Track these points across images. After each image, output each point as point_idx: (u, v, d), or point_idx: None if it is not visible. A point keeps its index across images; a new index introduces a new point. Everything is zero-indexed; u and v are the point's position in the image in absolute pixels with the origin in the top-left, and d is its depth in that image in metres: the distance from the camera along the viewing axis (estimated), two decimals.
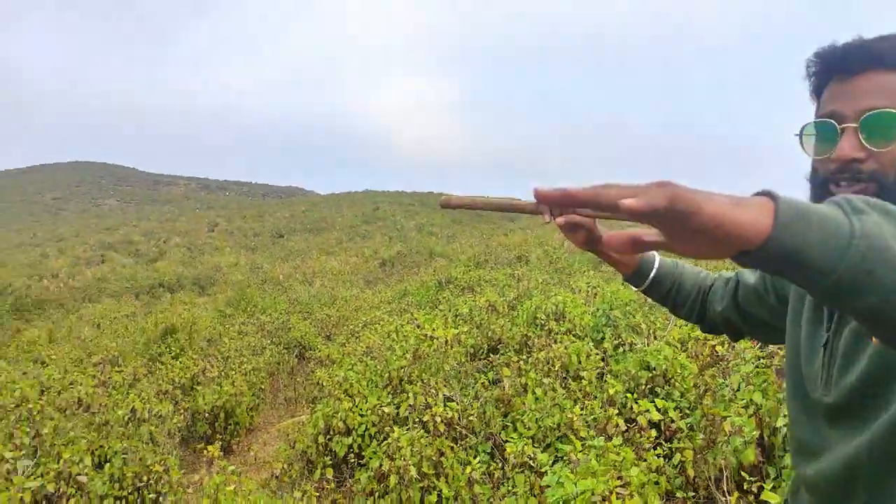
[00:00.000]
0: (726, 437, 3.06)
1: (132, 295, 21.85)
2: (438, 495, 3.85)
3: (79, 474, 4.03)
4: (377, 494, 4.11)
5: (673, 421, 3.60)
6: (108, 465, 4.58)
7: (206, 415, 7.02)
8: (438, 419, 4.50)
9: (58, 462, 4.24)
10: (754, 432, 3.07)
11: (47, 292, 22.25)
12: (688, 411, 3.91)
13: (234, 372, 8.18)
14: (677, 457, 3.31)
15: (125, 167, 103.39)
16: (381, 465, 4.10)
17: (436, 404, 4.79)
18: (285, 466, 4.79)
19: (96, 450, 4.88)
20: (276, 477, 4.81)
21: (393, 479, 3.88)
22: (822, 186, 1.09)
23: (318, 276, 21.55)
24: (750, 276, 1.46)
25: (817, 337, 1.16)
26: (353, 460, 5.29)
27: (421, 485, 3.85)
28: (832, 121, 1.07)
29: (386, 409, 5.38)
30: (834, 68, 1.09)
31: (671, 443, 3.59)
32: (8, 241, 43.00)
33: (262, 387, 8.55)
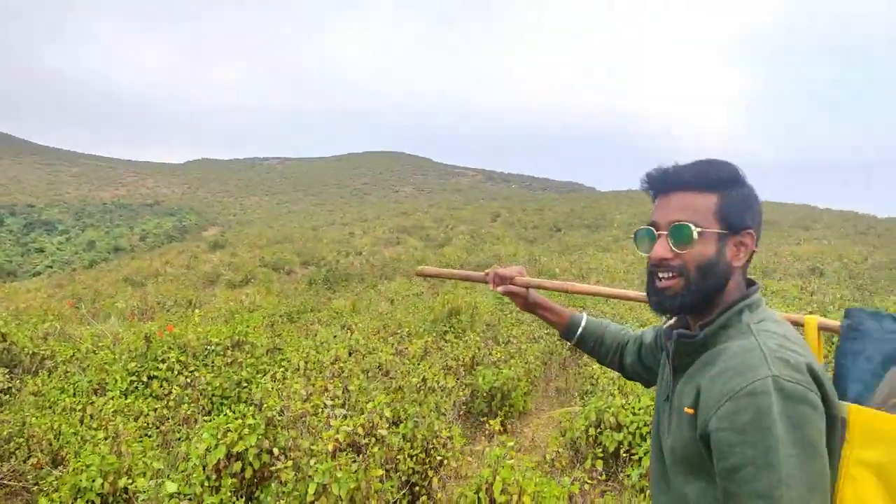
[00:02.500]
0: None
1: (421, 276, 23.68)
2: None
3: (380, 428, 4.58)
4: (647, 492, 4.13)
5: None
6: (402, 425, 5.15)
7: (485, 394, 7.49)
8: None
9: (360, 415, 4.88)
10: None
11: (352, 267, 25.05)
12: None
13: (512, 358, 8.59)
14: None
15: (421, 157, 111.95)
16: None
17: None
18: (558, 451, 4.97)
19: (393, 410, 5.50)
20: (551, 461, 5.00)
21: None
22: (650, 276, 1.44)
23: (593, 272, 21.58)
24: (650, 335, 1.84)
25: (665, 392, 1.49)
26: (624, 455, 5.34)
27: None
28: (652, 228, 1.43)
29: None
30: (656, 188, 1.45)
31: None
32: (324, 219, 49.05)
33: (537, 374, 8.88)
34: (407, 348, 8.67)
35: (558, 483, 4.21)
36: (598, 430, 5.70)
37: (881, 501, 1.22)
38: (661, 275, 1.40)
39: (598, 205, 44.71)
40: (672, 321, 1.54)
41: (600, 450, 5.40)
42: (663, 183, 1.43)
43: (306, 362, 6.88)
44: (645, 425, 5.45)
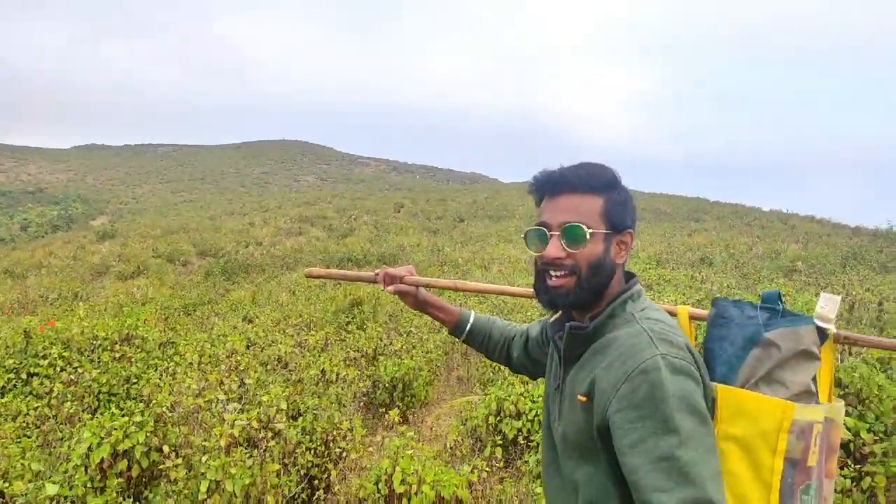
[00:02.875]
0: None
1: (323, 266, 23.40)
2: None
3: (277, 422, 4.47)
4: None
5: (865, 444, 3.37)
6: (301, 418, 5.04)
7: (386, 384, 7.46)
8: None
9: (256, 409, 4.75)
10: None
11: (252, 258, 24.38)
12: (883, 436, 3.63)
13: (414, 349, 8.60)
14: (867, 481, 3.10)
15: (324, 147, 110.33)
16: None
17: None
18: (458, 440, 4.99)
19: (291, 403, 5.38)
20: (452, 450, 5.02)
21: None
22: (540, 274, 1.52)
23: (496, 262, 21.87)
24: (535, 329, 1.92)
25: (555, 382, 1.57)
26: (522, 442, 5.43)
27: None
28: (543, 229, 1.48)
29: None
30: (544, 190, 1.52)
31: (861, 466, 3.36)
32: (222, 208, 47.58)
33: (438, 364, 8.92)
34: (307, 340, 8.52)
35: (457, 471, 4.22)
36: (498, 418, 5.77)
37: (746, 470, 1.36)
38: (553, 273, 1.48)
39: (501, 196, 45.35)
40: (557, 315, 1.61)
41: (500, 437, 5.47)
42: (551, 186, 1.50)
43: (201, 356, 6.65)
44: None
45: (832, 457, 1.44)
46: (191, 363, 6.36)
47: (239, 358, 6.65)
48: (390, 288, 1.93)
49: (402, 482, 3.90)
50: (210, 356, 6.62)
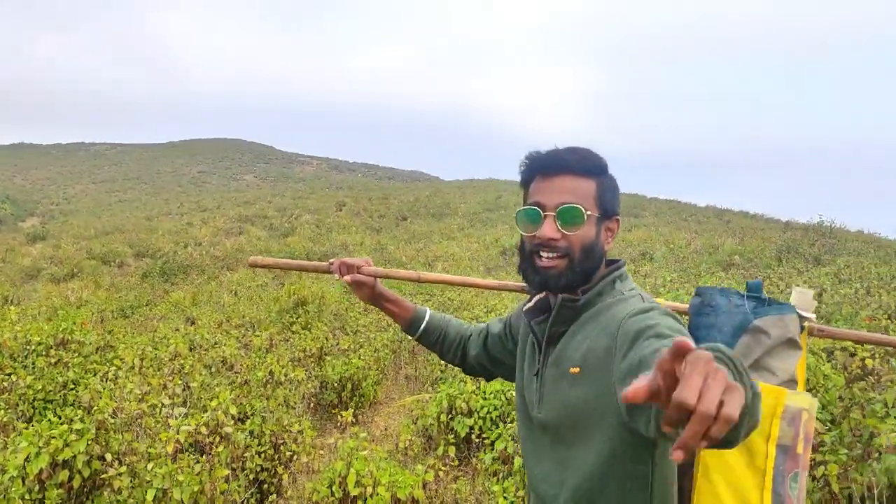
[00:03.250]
0: (877, 454, 2.91)
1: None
2: None
3: (225, 425, 4.34)
4: (501, 475, 4.19)
5: (817, 433, 3.45)
6: (248, 421, 4.91)
7: (335, 384, 7.35)
8: None
9: (202, 414, 4.60)
10: None
11: (191, 259, 23.77)
12: (829, 424, 3.73)
13: (361, 348, 8.50)
14: (820, 470, 3.18)
15: (263, 145, 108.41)
16: (505, 448, 4.17)
17: None
18: (410, 440, 4.94)
19: (239, 406, 5.25)
20: (404, 450, 4.97)
21: (518, 462, 3.95)
22: (528, 256, 1.48)
23: (439, 260, 21.87)
24: (496, 325, 1.86)
25: (533, 368, 1.55)
26: (475, 440, 5.41)
27: None
28: (537, 209, 1.44)
29: (510, 395, 5.45)
30: (538, 169, 1.48)
31: (814, 455, 3.44)
32: (159, 208, 46.33)
33: (386, 363, 8.85)
34: (252, 341, 8.33)
35: (412, 472, 4.18)
36: (450, 416, 5.74)
37: (739, 457, 1.38)
38: (544, 254, 1.44)
39: (443, 194, 45.36)
40: (532, 303, 1.58)
41: (452, 436, 5.44)
42: (548, 165, 1.46)
43: (142, 360, 6.42)
44: (495, 409, 5.55)
45: (808, 448, 1.44)
46: (132, 367, 6.13)
47: (182, 361, 6.45)
48: (347, 278, 1.85)
49: (358, 484, 3.83)
50: (151, 359, 6.40)
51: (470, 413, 5.65)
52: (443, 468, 4.41)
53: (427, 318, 1.95)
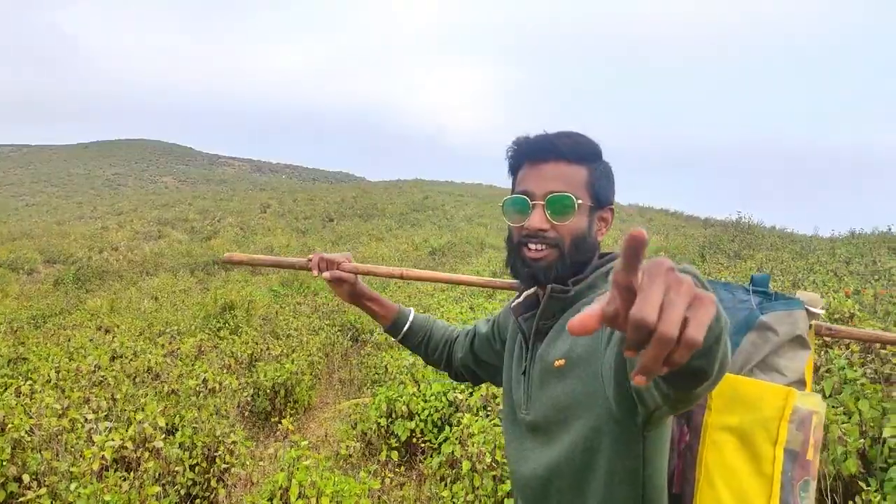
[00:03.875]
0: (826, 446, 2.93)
1: (188, 271, 22.24)
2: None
3: (155, 438, 4.07)
4: (449, 480, 4.08)
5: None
6: (178, 433, 4.64)
7: (268, 391, 7.09)
8: None
9: (128, 427, 4.32)
10: (858, 442, 2.93)
11: (107, 264, 22.72)
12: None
13: (294, 353, 8.25)
14: None
15: (182, 146, 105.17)
16: (453, 452, 4.06)
17: None
18: (354, 446, 4.77)
19: (167, 417, 4.96)
20: (346, 456, 4.80)
21: (466, 465, 3.84)
22: (516, 247, 1.38)
23: (368, 261, 21.64)
24: (483, 326, 1.77)
25: (520, 366, 1.46)
26: (417, 443, 5.28)
27: (494, 473, 3.80)
28: (525, 198, 1.35)
29: (459, 396, 5.35)
30: (526, 156, 1.38)
31: None
32: (70, 212, 44.25)
33: (320, 367, 8.62)
34: (179, 348, 7.96)
35: (357, 479, 4.02)
36: (390, 419, 5.60)
37: (744, 463, 1.28)
38: (532, 246, 1.35)
39: (369, 194, 44.96)
40: (520, 299, 1.48)
41: (394, 440, 5.29)
42: (536, 152, 1.36)
43: (58, 372, 6.02)
44: (436, 411, 5.43)
45: (818, 454, 1.35)
46: (48, 380, 5.73)
47: (104, 372, 6.08)
48: (326, 274, 1.73)
49: (300, 496, 3.65)
50: (70, 371, 6.00)
51: (411, 416, 5.52)
52: (389, 474, 4.27)
53: (411, 318, 1.86)
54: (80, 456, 3.81)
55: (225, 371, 7.21)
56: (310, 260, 1.76)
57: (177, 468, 4.27)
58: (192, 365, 6.90)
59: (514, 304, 1.51)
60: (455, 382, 5.79)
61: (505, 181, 1.47)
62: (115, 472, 3.72)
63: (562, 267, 1.34)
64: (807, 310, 1.44)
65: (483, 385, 5.10)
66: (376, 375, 7.61)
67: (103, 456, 3.70)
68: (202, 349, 8.24)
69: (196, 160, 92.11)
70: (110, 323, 10.87)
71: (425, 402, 5.55)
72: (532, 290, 1.45)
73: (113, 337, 8.57)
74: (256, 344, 8.75)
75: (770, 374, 1.37)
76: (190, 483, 4.35)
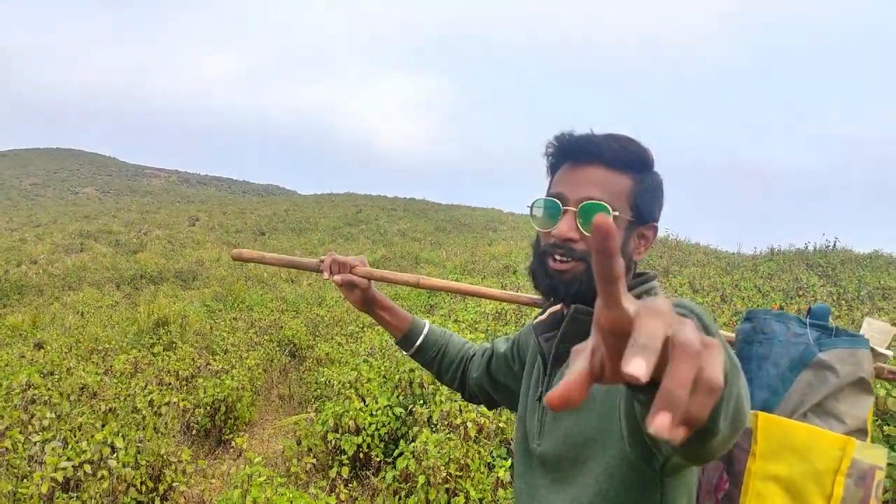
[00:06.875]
0: None
1: (113, 285, 21.52)
2: (466, 497, 3.89)
3: (109, 459, 4.00)
4: (402, 494, 4.14)
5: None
6: (121, 452, 4.55)
7: (207, 408, 6.97)
8: (470, 424, 4.53)
9: (71, 448, 4.21)
10: None
11: (26, 278, 21.81)
12: None
13: (233, 368, 8.14)
14: None
15: (104, 156, 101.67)
16: (407, 466, 4.12)
17: (468, 409, 4.82)
18: (304, 463, 4.77)
19: (104, 435, 4.85)
20: (293, 474, 4.79)
21: (421, 479, 3.91)
22: (541, 257, 1.23)
23: (303, 276, 21.42)
24: (502, 345, 1.63)
25: (536, 392, 1.33)
26: (363, 458, 5.31)
27: (447, 486, 3.89)
28: (557, 201, 1.20)
29: (397, 411, 5.41)
30: (567, 155, 1.23)
31: None
32: None
33: (259, 383, 8.52)
34: (113, 365, 7.75)
35: (311, 496, 4.03)
36: (337, 435, 5.60)
37: None
38: (557, 256, 1.20)
39: (301, 208, 44.47)
40: (544, 316, 1.35)
41: (345, 456, 5.31)
42: (578, 152, 1.21)
43: None
44: (383, 426, 5.47)
45: None
46: None
47: (36, 391, 5.89)
48: (337, 278, 1.61)
49: None
50: None
51: (358, 431, 5.54)
52: (342, 490, 4.30)
53: (425, 331, 1.72)
54: (29, 478, 3.71)
55: (163, 388, 7.06)
56: (321, 261, 1.65)
57: (119, 487, 4.19)
58: (129, 382, 6.74)
59: (536, 320, 1.37)
60: (404, 401, 5.86)
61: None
62: (65, 494, 3.64)
63: (586, 282, 1.18)
64: (872, 349, 1.27)
65: (441, 401, 5.18)
66: (317, 391, 7.58)
67: (54, 478, 3.61)
68: (138, 366, 8.04)
69: (119, 171, 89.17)
70: (44, 337, 10.47)
71: (372, 416, 5.58)
72: (557, 306, 1.31)
73: (44, 354, 8.27)
74: (194, 360, 8.58)
75: (827, 420, 1.21)
76: (133, 503, 4.28)
